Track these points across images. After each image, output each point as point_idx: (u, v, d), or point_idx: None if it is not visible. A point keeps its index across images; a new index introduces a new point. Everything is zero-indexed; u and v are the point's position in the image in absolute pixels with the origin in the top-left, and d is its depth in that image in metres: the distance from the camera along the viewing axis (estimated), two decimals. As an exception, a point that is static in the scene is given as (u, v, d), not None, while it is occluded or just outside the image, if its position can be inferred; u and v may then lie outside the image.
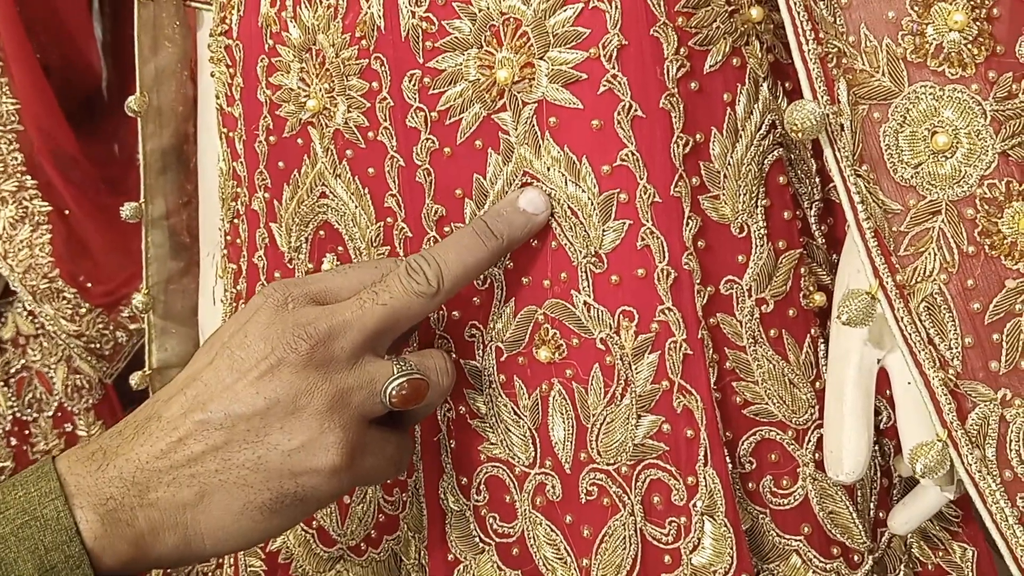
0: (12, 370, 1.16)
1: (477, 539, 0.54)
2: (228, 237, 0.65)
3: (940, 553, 0.55)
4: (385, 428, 0.47)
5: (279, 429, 0.43)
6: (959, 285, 0.43)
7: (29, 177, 1.11)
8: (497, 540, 0.53)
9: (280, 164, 0.58)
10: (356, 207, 0.55)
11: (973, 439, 0.42)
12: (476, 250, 0.48)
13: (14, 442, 1.16)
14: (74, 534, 0.40)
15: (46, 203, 1.11)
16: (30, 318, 1.15)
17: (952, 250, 0.43)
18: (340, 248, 0.56)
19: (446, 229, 0.52)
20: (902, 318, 0.42)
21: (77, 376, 1.18)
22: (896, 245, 0.43)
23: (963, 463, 0.41)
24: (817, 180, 0.52)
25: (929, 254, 0.43)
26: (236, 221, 0.63)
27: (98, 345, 1.16)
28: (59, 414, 1.16)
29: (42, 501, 0.41)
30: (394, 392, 0.45)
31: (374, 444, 0.46)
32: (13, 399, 1.17)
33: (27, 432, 1.17)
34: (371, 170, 0.54)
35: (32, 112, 1.09)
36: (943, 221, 0.43)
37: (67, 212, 1.12)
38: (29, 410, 1.17)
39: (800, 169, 0.51)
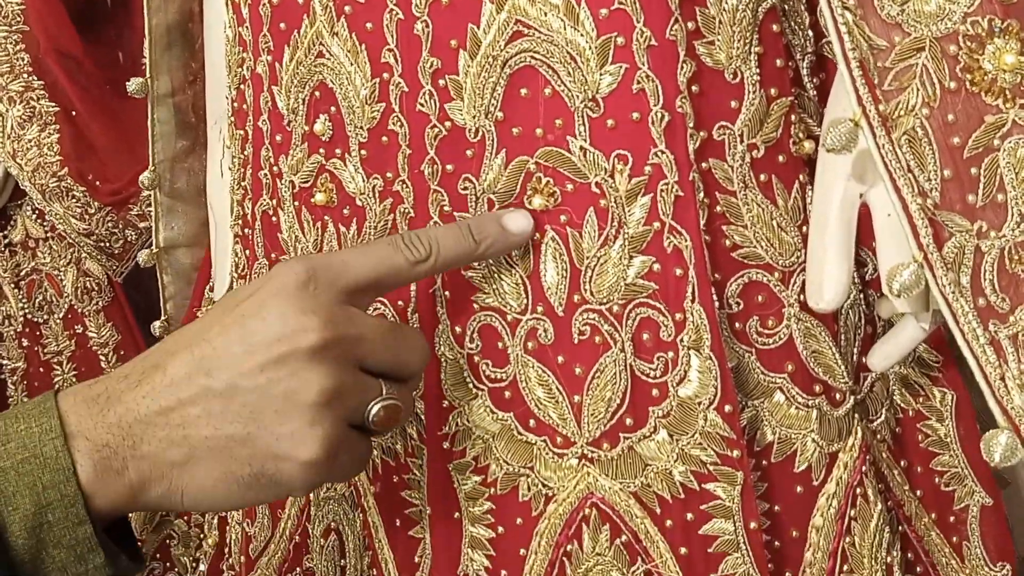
0: (22, 272, 1.17)
1: (471, 385, 0.56)
2: (235, 104, 0.66)
3: (920, 399, 0.57)
4: (357, 431, 0.49)
5: (273, 412, 0.45)
6: (940, 119, 0.44)
7: (36, 77, 1.11)
8: (490, 385, 0.55)
9: (282, 25, 0.59)
10: (351, 65, 0.56)
11: (949, 264, 0.44)
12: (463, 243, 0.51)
13: (26, 343, 1.19)
14: (71, 474, 0.42)
15: (53, 103, 1.11)
16: (39, 221, 1.16)
17: (934, 85, 0.44)
18: (333, 108, 0.57)
19: (441, 82, 0.53)
20: (883, 146, 0.43)
21: (87, 279, 1.19)
22: (880, 79, 0.45)
23: (937, 284, 0.43)
24: (810, 34, 0.53)
25: (912, 89, 0.44)
26: (242, 87, 0.64)
27: (107, 244, 1.17)
28: (69, 316, 1.19)
29: (42, 439, 0.43)
30: (378, 411, 0.48)
31: (350, 443, 0.48)
32: (24, 301, 1.18)
33: (38, 333, 1.19)
34: (369, 25, 0.55)
35: (37, 12, 1.09)
36: (927, 57, 0.44)
37: (74, 113, 1.12)
38: (40, 312, 1.18)
39: (794, 20, 0.53)
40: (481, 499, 0.56)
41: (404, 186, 0.56)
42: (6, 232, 1.16)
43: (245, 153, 0.66)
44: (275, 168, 0.62)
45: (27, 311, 1.19)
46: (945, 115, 0.44)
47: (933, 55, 0.44)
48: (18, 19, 1.11)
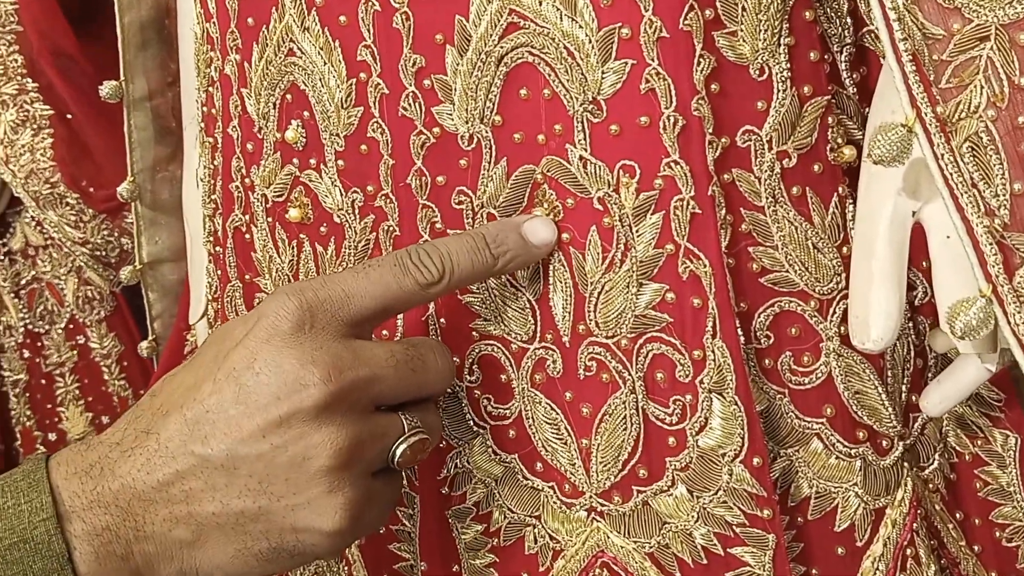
0: (23, 281, 1.15)
1: (471, 423, 0.51)
2: (204, 108, 0.61)
3: (979, 442, 0.51)
4: (382, 474, 0.44)
5: (284, 481, 0.41)
6: (1008, 123, 0.38)
7: (30, 80, 1.09)
8: (492, 423, 0.50)
9: (249, 21, 0.53)
10: (324, 64, 0.50)
11: (1022, 297, 0.37)
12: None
13: (27, 354, 1.16)
14: (66, 562, 0.39)
15: (47, 107, 1.09)
16: (38, 228, 1.13)
17: (1002, 82, 0.38)
18: (306, 113, 0.52)
19: (426, 83, 0.47)
20: (943, 155, 0.37)
21: (88, 288, 1.18)
22: (937, 76, 0.38)
23: (1010, 323, 0.37)
24: (849, 22, 0.47)
25: (975, 87, 0.38)
26: (211, 89, 0.59)
27: (104, 253, 1.16)
28: (71, 326, 1.17)
29: (32, 519, 0.39)
30: (404, 451, 0.43)
31: (376, 495, 0.44)
32: (25, 311, 1.17)
33: (40, 344, 1.16)
34: (343, 18, 0.49)
35: (30, 12, 1.07)
36: (992, 48, 0.38)
37: (69, 116, 1.10)
38: (41, 322, 1.16)
39: (830, 7, 0.46)
40: (483, 550, 0.52)
41: (388, 201, 0.50)
42: (5, 240, 1.14)
43: (215, 163, 0.60)
44: (247, 180, 0.57)
45: (28, 321, 1.19)
46: (1015, 118, 0.38)
47: (1000, 45, 0.38)
48: (11, 19, 1.09)
